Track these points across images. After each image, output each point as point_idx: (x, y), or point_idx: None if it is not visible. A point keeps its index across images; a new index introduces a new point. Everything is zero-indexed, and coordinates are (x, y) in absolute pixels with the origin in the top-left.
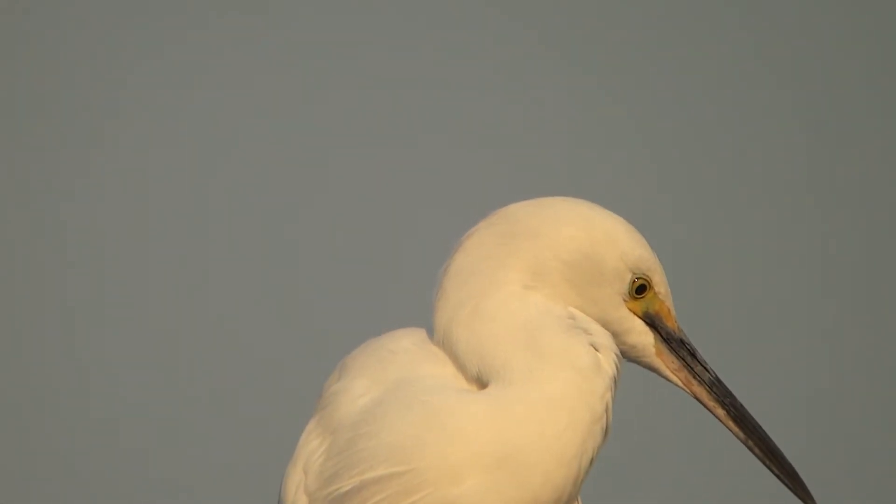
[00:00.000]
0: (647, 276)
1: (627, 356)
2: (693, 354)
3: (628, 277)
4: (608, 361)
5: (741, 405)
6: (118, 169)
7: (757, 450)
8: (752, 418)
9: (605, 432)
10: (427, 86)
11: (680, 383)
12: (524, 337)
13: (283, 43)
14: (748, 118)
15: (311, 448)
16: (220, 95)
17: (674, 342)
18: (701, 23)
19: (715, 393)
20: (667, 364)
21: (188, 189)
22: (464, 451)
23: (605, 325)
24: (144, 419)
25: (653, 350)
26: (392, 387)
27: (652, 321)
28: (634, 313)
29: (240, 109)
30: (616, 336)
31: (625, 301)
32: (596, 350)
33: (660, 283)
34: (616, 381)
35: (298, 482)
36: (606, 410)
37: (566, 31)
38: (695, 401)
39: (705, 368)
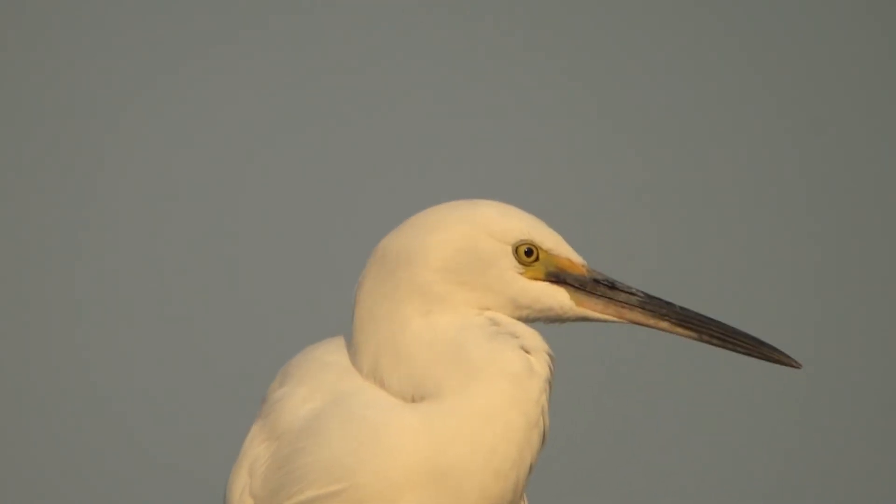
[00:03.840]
0: (528, 240)
1: (557, 320)
2: (612, 286)
3: (509, 250)
4: (540, 363)
5: (681, 307)
6: (119, 169)
7: (715, 340)
8: (697, 314)
9: (543, 437)
10: (426, 89)
11: (614, 318)
12: (451, 358)
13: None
14: (748, 118)
15: (256, 452)
16: (220, 95)
17: (588, 285)
18: (700, 23)
19: (650, 310)
20: (592, 308)
21: (193, 191)
22: (401, 467)
23: (516, 304)
24: (151, 417)
25: (572, 302)
26: (331, 399)
27: (558, 277)
28: (537, 279)
29: (246, 111)
30: (531, 309)
31: (521, 273)
32: (527, 352)
33: (544, 240)
34: (551, 382)
35: (244, 485)
36: (543, 414)
37: (564, 32)
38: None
39: (631, 293)
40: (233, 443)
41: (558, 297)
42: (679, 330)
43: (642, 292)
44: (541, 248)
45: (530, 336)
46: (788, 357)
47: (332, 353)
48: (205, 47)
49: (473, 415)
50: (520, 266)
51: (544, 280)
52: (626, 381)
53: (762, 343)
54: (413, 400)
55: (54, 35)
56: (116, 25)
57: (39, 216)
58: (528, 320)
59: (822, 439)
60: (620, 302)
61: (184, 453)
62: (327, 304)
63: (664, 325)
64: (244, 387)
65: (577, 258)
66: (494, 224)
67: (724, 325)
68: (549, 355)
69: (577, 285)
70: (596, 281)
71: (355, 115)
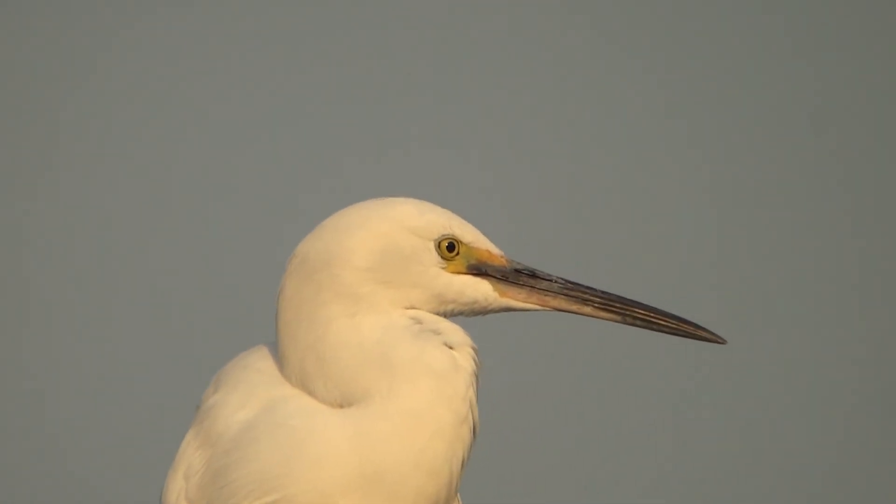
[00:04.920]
0: (449, 234)
1: (481, 312)
2: (533, 275)
3: (431, 245)
4: (465, 357)
5: (603, 291)
6: (114, 168)
7: (640, 322)
8: (619, 297)
9: (474, 431)
10: (425, 91)
11: (537, 307)
12: (376, 361)
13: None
14: (747, 119)
15: (191, 458)
16: (220, 95)
17: (510, 275)
18: (700, 22)
19: (572, 296)
20: (515, 298)
21: (191, 192)
22: (332, 475)
23: (441, 299)
24: (148, 416)
25: (495, 293)
26: (262, 408)
27: (479, 269)
28: (459, 272)
29: (244, 109)
30: (456, 303)
31: (444, 268)
32: (451, 348)
33: (464, 233)
34: (477, 376)
35: (180, 489)
36: (471, 408)
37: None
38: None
39: (551, 280)
40: None
41: (481, 289)
42: (603, 314)
43: (563, 279)
44: (461, 242)
45: (453, 332)
46: (713, 334)
47: (264, 360)
48: (179, 46)
49: (401, 415)
50: (442, 261)
51: (466, 273)
52: (624, 380)
53: (686, 321)
54: (341, 405)
55: (39, 36)
56: (110, 26)
57: (29, 215)
58: (452, 315)
59: (817, 437)
60: (542, 290)
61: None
62: None
63: (587, 309)
64: None
65: (495, 249)
66: (414, 221)
67: (647, 305)
68: (474, 349)
69: (498, 276)
70: (517, 270)
71: (347, 113)
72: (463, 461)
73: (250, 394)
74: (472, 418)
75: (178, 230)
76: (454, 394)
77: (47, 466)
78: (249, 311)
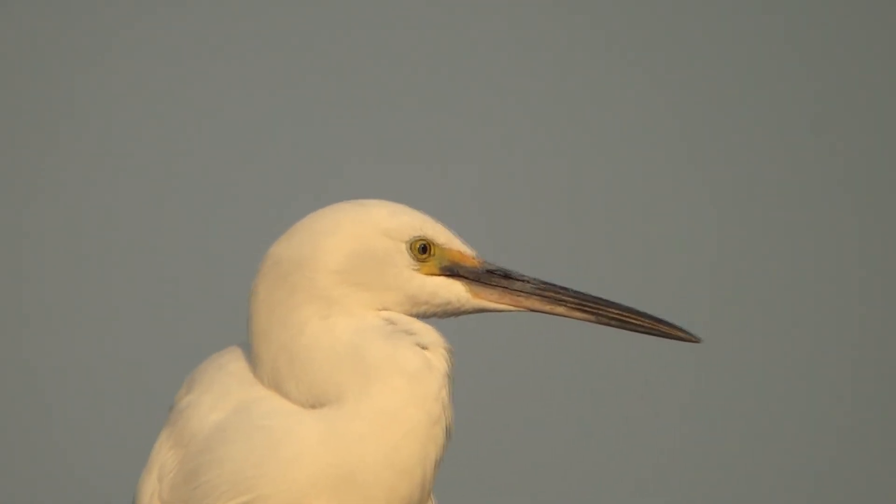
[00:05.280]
0: (421, 236)
1: (455, 313)
2: (507, 275)
3: (403, 248)
4: (438, 358)
5: (576, 291)
6: (115, 167)
7: (614, 322)
8: (593, 297)
9: (448, 431)
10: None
11: (511, 307)
12: (349, 362)
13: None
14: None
15: (164, 458)
16: (220, 95)
17: (483, 276)
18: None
19: (546, 296)
20: (488, 299)
21: (192, 192)
22: (304, 475)
23: (414, 300)
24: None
25: (468, 294)
26: (234, 409)
27: (452, 271)
28: (432, 274)
29: (244, 110)
30: (429, 304)
31: (417, 270)
32: (424, 349)
33: (436, 235)
34: (450, 376)
35: (153, 490)
36: (444, 409)
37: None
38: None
39: (525, 280)
40: None
41: (454, 291)
42: (576, 314)
43: (537, 279)
44: (434, 244)
45: (426, 332)
46: (688, 332)
47: (237, 361)
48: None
49: (374, 416)
50: (415, 263)
51: (439, 275)
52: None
53: (661, 321)
54: (314, 406)
55: (40, 35)
56: (109, 27)
57: (32, 214)
58: (426, 316)
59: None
60: (515, 290)
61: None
62: None
63: (560, 310)
64: None
65: (468, 250)
66: (387, 223)
67: (621, 305)
68: (447, 349)
69: (471, 277)
70: (489, 271)
71: (348, 113)
72: (436, 461)
73: (224, 395)
74: (446, 419)
75: (178, 230)
76: (427, 394)
77: (47, 466)
78: (233, 314)
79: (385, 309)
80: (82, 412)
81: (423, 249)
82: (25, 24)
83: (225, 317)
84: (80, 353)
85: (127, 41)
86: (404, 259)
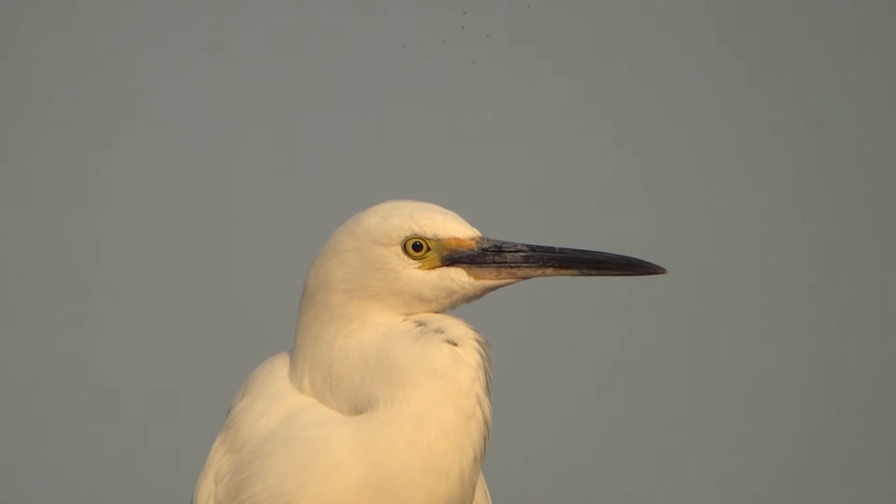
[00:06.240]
0: (411, 235)
1: (466, 299)
2: (499, 250)
3: (398, 250)
4: (468, 352)
5: (560, 249)
6: (123, 165)
7: (594, 270)
8: (573, 251)
9: (486, 424)
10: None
11: (510, 280)
12: (378, 369)
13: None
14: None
15: (220, 462)
16: (222, 96)
17: (478, 257)
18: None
19: (535, 261)
20: (488, 277)
21: (194, 193)
22: (342, 485)
23: (422, 298)
24: (171, 420)
25: (470, 278)
26: (281, 419)
27: (452, 258)
28: (435, 267)
29: (246, 111)
30: (438, 298)
31: (418, 268)
32: (454, 344)
33: (425, 228)
34: (485, 368)
35: (210, 492)
36: (479, 403)
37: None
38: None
39: (515, 250)
40: None
41: (457, 278)
42: (563, 272)
43: (526, 246)
44: (427, 238)
45: (455, 326)
46: (654, 265)
47: (287, 367)
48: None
49: (406, 419)
50: (414, 262)
51: (441, 266)
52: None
53: (630, 259)
54: (354, 414)
55: (42, 37)
56: (110, 30)
57: (39, 212)
58: (444, 310)
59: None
60: (509, 263)
61: (191, 455)
62: None
63: (550, 271)
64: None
65: (464, 233)
66: (376, 231)
67: (594, 252)
68: (478, 341)
69: (470, 260)
70: (484, 250)
71: (349, 112)
72: (475, 458)
73: (274, 401)
74: (482, 413)
75: (189, 233)
76: (457, 391)
77: (48, 466)
78: (251, 316)
79: (408, 313)
80: (85, 412)
81: (416, 247)
82: (25, 26)
83: (230, 319)
84: (80, 354)
85: (140, 45)
86: (402, 261)
